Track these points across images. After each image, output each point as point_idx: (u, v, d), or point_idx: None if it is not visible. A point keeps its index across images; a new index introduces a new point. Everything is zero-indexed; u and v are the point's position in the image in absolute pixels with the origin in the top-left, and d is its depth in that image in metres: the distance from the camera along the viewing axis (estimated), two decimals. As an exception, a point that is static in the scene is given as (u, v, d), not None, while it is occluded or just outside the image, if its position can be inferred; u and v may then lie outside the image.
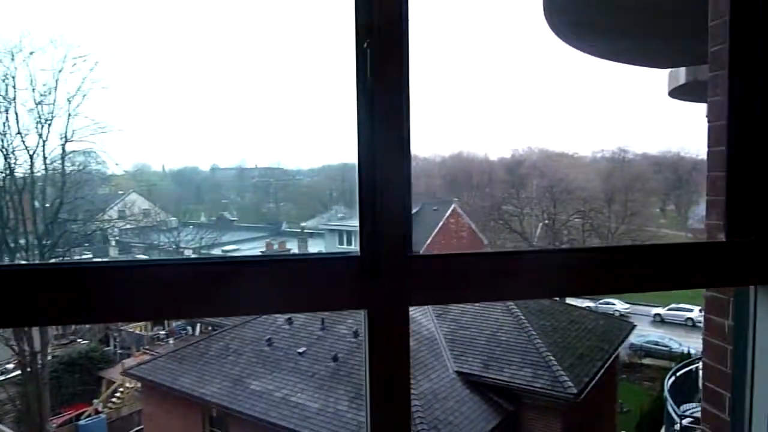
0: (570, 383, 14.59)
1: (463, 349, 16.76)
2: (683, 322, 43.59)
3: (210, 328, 25.23)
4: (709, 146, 2.60)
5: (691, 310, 44.22)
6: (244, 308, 1.38)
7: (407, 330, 1.31)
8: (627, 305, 46.58)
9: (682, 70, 8.83)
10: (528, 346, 16.24)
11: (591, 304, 43.81)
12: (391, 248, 1.31)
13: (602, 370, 16.55)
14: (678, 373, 12.56)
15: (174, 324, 34.16)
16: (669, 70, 9.57)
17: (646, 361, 34.19)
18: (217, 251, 46.05)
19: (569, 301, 39.18)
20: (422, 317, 18.33)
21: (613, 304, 46.24)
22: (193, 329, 32.58)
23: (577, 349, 17.06)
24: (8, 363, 27.25)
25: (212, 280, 1.32)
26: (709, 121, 2.60)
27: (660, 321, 43.90)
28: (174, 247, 40.05)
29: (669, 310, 44.65)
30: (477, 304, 18.95)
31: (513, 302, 18.61)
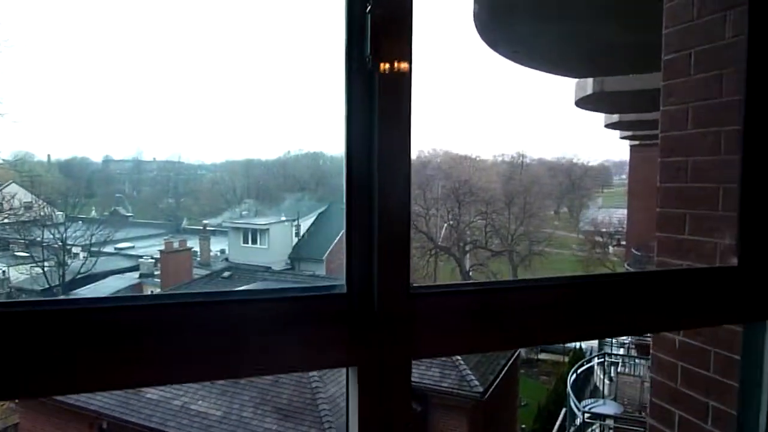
0: (476, 382, 14.87)
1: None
2: (574, 318, 46.55)
3: (100, 332, 23.37)
4: (661, 157, 2.52)
5: (581, 307, 47.36)
6: (176, 376, 0.98)
7: (409, 390, 1.01)
8: (523, 302, 48.92)
9: (590, 80, 9.17)
10: (436, 346, 16.39)
11: (491, 302, 45.64)
12: (388, 283, 0.99)
13: (506, 368, 17.04)
14: (578, 371, 13.16)
15: (58, 328, 31.48)
16: (576, 80, 9.93)
17: (542, 356, 35.95)
18: (109, 249, 43.12)
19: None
20: (331, 318, 18.03)
21: (511, 302, 48.39)
22: (81, 333, 30.18)
23: (483, 348, 17.47)
24: None
25: (125, 334, 0.90)
26: (661, 131, 2.53)
27: (553, 317, 46.55)
28: (60, 244, 36.93)
29: (561, 306, 47.51)
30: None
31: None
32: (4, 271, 39.14)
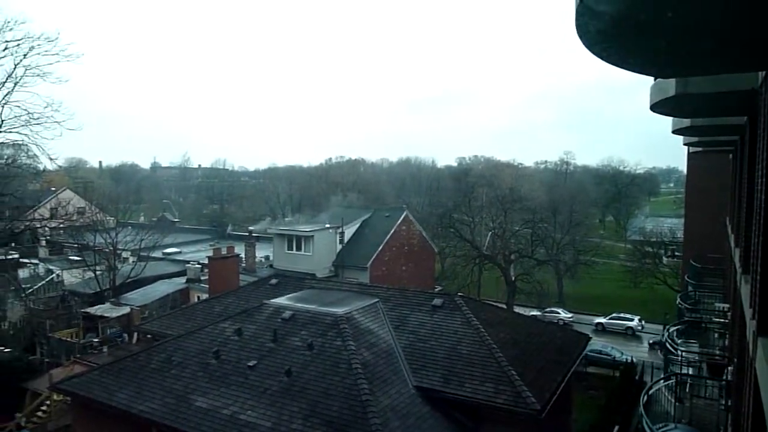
0: (533, 399, 14.20)
1: (422, 362, 16.12)
2: (623, 331, 44.96)
3: (149, 336, 23.63)
4: None
5: (632, 320, 45.68)
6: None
7: None
8: (570, 314, 47.63)
9: (671, 81, 8.53)
10: (489, 360, 15.78)
11: (537, 313, 44.46)
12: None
13: (562, 384, 16.30)
14: (650, 392, 12.37)
15: (109, 331, 32.07)
16: (654, 82, 9.29)
17: (591, 369, 34.76)
18: (157, 254, 43.95)
19: (518, 310, 39.52)
20: (379, 329, 17.62)
21: (558, 313, 47.17)
22: (130, 337, 30.67)
23: (538, 363, 16.75)
24: None
25: None
26: None
27: (602, 330, 45.08)
28: (111, 248, 37.83)
29: (610, 319, 45.94)
30: (435, 315, 18.40)
31: (472, 314, 18.19)
32: (58, 274, 40.46)
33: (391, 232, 41.91)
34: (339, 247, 41.48)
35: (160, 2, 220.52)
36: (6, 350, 29.62)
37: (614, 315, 46.44)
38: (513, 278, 47.78)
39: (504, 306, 39.58)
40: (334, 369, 15.20)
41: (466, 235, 50.85)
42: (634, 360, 34.94)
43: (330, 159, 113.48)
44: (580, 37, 4.69)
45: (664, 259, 53.19)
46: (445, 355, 16.31)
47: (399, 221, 43.02)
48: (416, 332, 17.56)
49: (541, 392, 14.93)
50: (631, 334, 44.64)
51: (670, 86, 8.34)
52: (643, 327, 44.70)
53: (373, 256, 39.99)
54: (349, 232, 42.46)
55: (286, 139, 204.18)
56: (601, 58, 5.20)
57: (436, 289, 39.06)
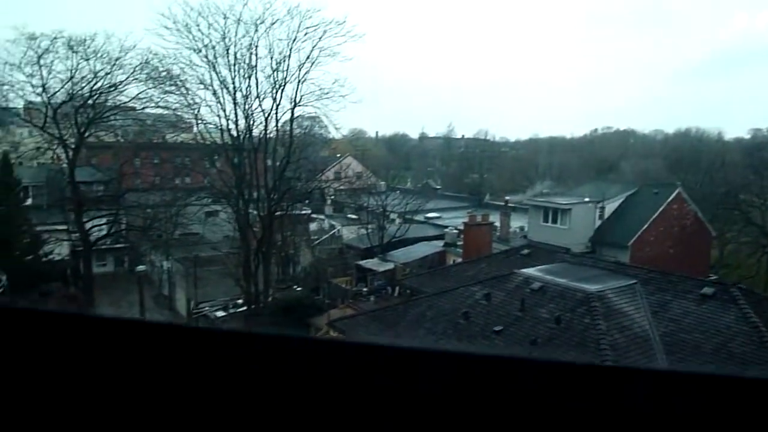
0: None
1: (682, 355, 14.72)
2: None
3: (408, 291, 26.01)
4: None
5: None
6: None
7: None
8: None
9: None
10: (769, 365, 13.67)
11: None
12: None
13: None
14: None
15: (375, 282, 36.12)
16: None
17: None
18: (420, 217, 47.48)
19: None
20: (635, 312, 16.54)
21: None
22: (392, 290, 34.08)
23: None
24: (238, 299, 31.41)
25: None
26: None
27: None
28: (381, 210, 42.22)
29: None
30: (704, 305, 16.51)
31: (752, 310, 15.83)
32: (338, 230, 46.93)
33: (660, 210, 38.09)
34: (598, 222, 39.33)
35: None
36: (299, 289, 35.61)
37: None
38: (818, 275, 39.50)
39: (802, 307, 33.10)
40: (580, 347, 14.88)
41: (755, 219, 43.50)
42: None
43: (596, 130, 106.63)
44: None
45: None
46: (712, 351, 14.60)
47: (670, 199, 38.82)
48: (678, 321, 16.02)
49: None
50: None
51: None
52: None
53: (636, 235, 36.97)
54: (610, 207, 39.90)
55: (550, 108, 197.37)
56: None
57: (710, 278, 34.57)
